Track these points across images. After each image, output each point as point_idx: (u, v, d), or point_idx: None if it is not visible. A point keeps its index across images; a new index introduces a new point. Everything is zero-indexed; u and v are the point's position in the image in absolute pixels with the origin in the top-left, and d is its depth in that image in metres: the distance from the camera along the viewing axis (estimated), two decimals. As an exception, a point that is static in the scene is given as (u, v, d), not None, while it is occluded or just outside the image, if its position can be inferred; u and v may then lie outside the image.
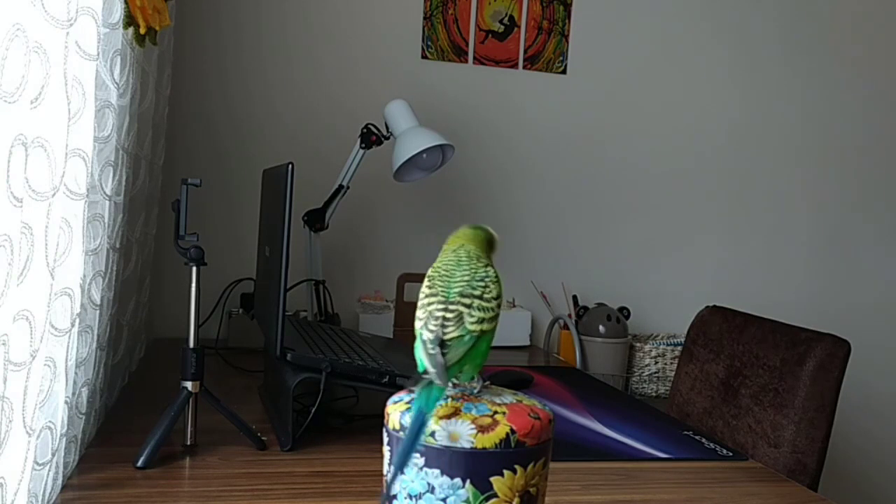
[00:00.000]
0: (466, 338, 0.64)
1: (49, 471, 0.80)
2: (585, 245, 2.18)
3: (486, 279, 0.68)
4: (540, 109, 2.12)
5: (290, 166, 1.04)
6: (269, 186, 1.25)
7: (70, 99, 0.74)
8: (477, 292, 0.67)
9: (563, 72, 2.13)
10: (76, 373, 0.90)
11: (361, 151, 1.75)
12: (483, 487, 0.61)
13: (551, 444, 0.66)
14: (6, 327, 0.64)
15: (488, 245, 0.73)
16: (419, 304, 0.68)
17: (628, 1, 2.16)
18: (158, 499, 0.86)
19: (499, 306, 0.68)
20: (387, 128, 1.75)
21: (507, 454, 0.62)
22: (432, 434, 0.62)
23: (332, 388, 1.34)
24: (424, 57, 2.03)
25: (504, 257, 2.12)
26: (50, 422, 0.79)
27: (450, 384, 0.67)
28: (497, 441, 0.62)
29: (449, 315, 0.65)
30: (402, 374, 1.10)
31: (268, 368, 1.32)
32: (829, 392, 1.36)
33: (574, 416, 1.31)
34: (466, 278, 0.68)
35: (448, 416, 0.63)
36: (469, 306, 0.66)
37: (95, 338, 0.98)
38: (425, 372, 0.64)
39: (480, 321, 0.65)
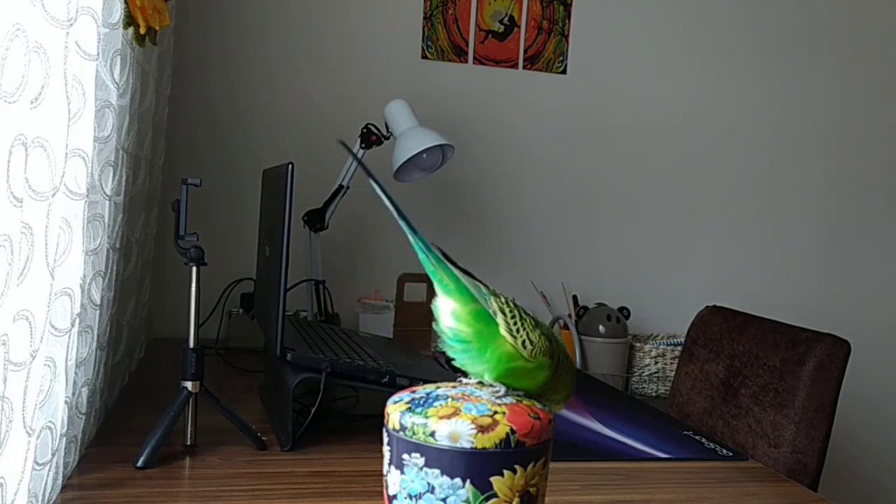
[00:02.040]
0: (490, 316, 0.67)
1: (49, 471, 0.80)
2: (585, 245, 2.18)
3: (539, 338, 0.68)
4: (540, 109, 2.12)
5: (291, 166, 1.04)
6: (269, 186, 1.25)
7: (70, 99, 0.74)
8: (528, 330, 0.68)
9: (563, 72, 2.13)
10: (76, 373, 0.90)
11: (361, 151, 1.75)
12: (483, 487, 0.61)
13: (551, 444, 0.66)
14: (6, 327, 0.64)
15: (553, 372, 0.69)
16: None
17: (628, 1, 2.16)
18: (158, 499, 0.86)
19: (523, 346, 0.67)
20: (387, 128, 1.75)
21: (507, 454, 0.62)
22: (432, 434, 0.62)
23: (332, 388, 1.34)
24: (424, 57, 2.03)
25: (504, 257, 2.13)
26: (50, 422, 0.79)
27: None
28: (497, 441, 0.62)
29: (510, 317, 0.68)
30: (402, 374, 1.10)
31: (268, 368, 1.32)
32: (829, 392, 1.36)
33: (574, 416, 1.31)
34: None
35: (448, 416, 0.63)
36: (517, 325, 0.67)
37: (95, 338, 0.98)
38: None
39: (510, 331, 0.67)
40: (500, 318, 0.67)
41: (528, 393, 0.69)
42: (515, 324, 0.67)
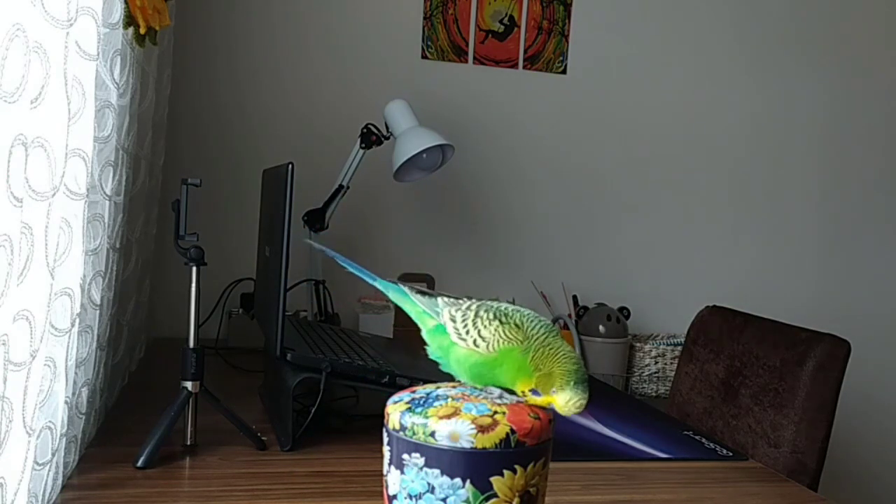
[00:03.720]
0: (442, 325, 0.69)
1: (49, 471, 0.80)
2: (585, 245, 2.18)
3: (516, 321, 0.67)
4: (540, 109, 2.12)
5: (290, 166, 1.04)
6: (269, 186, 1.25)
7: (70, 99, 0.74)
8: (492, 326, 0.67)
9: (563, 72, 2.13)
10: (76, 373, 0.90)
11: (361, 151, 1.75)
12: (483, 487, 0.61)
13: (551, 444, 0.66)
14: (6, 327, 0.64)
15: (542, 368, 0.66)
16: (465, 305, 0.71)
17: (628, 1, 2.16)
18: (158, 499, 0.86)
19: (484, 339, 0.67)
20: (387, 128, 1.75)
21: (507, 454, 0.62)
22: (432, 434, 0.62)
23: (332, 388, 1.34)
24: (424, 57, 2.03)
25: (504, 257, 2.13)
26: (50, 422, 0.79)
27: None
28: (497, 441, 0.62)
29: (460, 317, 0.68)
30: (402, 374, 1.10)
31: (268, 368, 1.32)
32: (829, 392, 1.36)
33: (574, 416, 1.31)
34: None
35: (448, 416, 0.63)
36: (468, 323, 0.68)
37: (95, 338, 0.98)
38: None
39: (460, 336, 0.68)
40: (449, 328, 0.69)
41: (533, 392, 0.68)
42: (465, 326, 0.68)
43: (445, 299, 0.71)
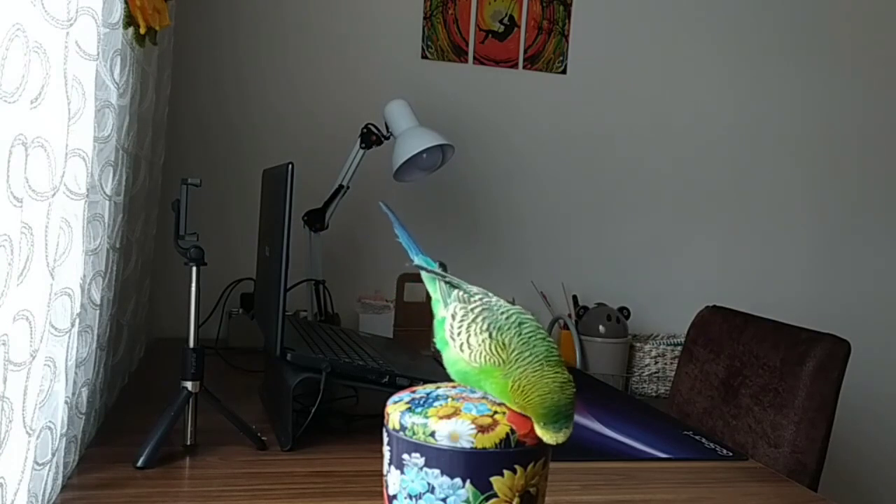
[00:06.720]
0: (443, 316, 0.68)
1: (49, 471, 0.80)
2: (585, 245, 2.18)
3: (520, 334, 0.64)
4: (540, 109, 2.12)
5: (290, 166, 1.04)
6: (269, 186, 1.25)
7: (70, 99, 0.74)
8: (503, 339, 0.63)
9: (563, 72, 2.13)
10: (76, 373, 0.90)
11: (361, 151, 1.75)
12: (483, 487, 0.61)
13: (551, 444, 0.66)
14: (6, 327, 0.64)
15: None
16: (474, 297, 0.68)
17: (628, 1, 2.16)
18: (158, 499, 0.86)
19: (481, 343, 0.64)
20: (387, 128, 1.75)
21: (507, 454, 0.62)
22: (432, 434, 0.62)
23: (332, 388, 1.34)
24: (424, 57, 2.03)
25: (504, 257, 2.12)
26: (50, 422, 0.79)
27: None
28: (497, 441, 0.61)
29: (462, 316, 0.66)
30: (402, 374, 1.10)
31: (268, 368, 1.32)
32: (829, 392, 1.36)
33: (574, 417, 1.31)
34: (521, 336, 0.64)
35: (448, 416, 0.63)
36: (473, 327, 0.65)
37: (95, 338, 0.98)
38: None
39: (452, 335, 0.66)
40: (447, 324, 0.67)
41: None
42: (459, 328, 0.65)
43: (461, 294, 0.68)
